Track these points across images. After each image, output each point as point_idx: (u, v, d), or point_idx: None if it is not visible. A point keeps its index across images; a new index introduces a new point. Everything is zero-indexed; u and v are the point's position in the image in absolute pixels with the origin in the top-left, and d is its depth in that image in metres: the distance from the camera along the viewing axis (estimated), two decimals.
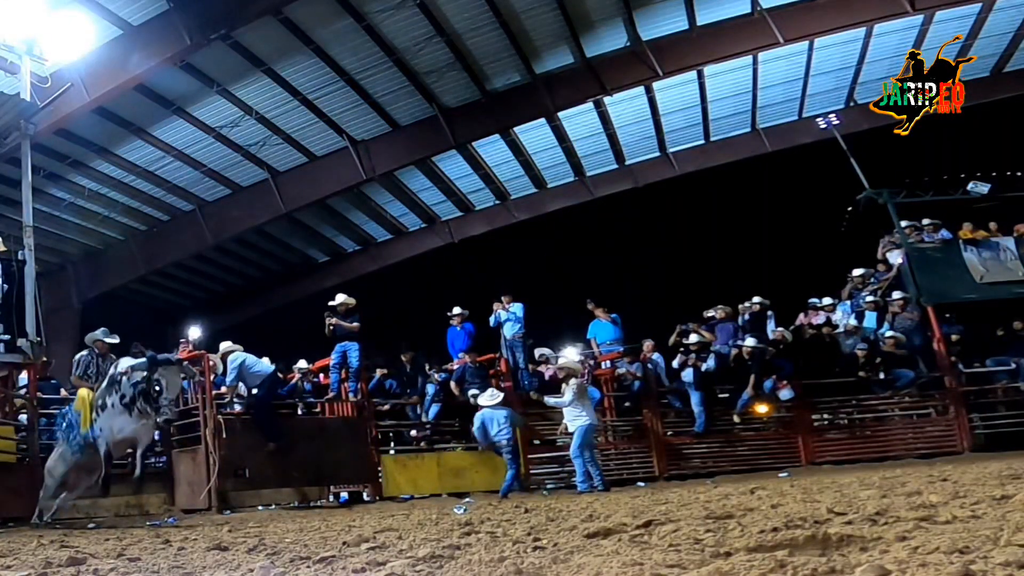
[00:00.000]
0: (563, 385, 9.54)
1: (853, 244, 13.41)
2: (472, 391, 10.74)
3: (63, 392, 9.70)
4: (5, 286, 8.10)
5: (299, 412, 10.66)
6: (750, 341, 10.82)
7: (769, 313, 11.89)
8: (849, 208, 13.08)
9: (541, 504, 5.57)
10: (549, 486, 10.29)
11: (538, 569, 1.95)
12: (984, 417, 10.86)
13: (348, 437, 10.20)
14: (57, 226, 15.86)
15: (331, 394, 10.58)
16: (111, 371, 7.27)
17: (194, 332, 14.80)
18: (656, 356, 11.57)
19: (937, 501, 2.72)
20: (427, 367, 11.41)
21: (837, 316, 11.96)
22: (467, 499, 8.79)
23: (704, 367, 10.91)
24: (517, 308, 11.61)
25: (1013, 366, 10.98)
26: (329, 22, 12.37)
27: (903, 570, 1.51)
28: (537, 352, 11.66)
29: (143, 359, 6.93)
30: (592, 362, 11.39)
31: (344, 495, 9.91)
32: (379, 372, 11.23)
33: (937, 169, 12.46)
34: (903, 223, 12.07)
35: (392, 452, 10.86)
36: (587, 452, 9.19)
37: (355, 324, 10.41)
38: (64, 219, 15.86)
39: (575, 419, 9.25)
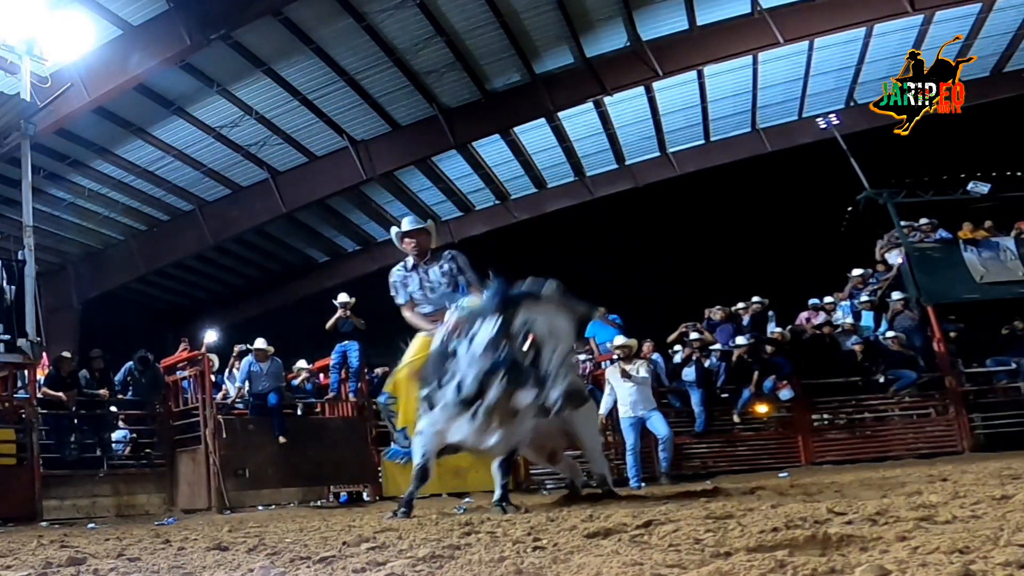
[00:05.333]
0: (621, 364, 9.40)
1: (853, 244, 13.42)
2: None
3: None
4: (12, 287, 8.12)
5: (299, 412, 10.68)
6: (740, 340, 10.87)
7: (770, 313, 11.90)
8: (849, 208, 13.08)
9: (541, 504, 5.57)
10: (549, 486, 10.29)
11: (538, 569, 1.95)
12: (984, 417, 10.86)
13: (348, 437, 10.21)
14: (57, 226, 15.86)
15: (331, 394, 10.60)
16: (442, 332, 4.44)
17: (210, 335, 14.85)
18: (656, 356, 11.57)
19: (937, 501, 2.72)
20: None
21: (837, 316, 11.98)
22: (467, 499, 8.78)
23: (707, 363, 10.93)
24: None
25: (1013, 366, 10.99)
26: (329, 22, 12.37)
27: (903, 570, 1.51)
28: None
29: (485, 295, 4.18)
30: (591, 362, 11.39)
31: (344, 495, 9.92)
32: (379, 371, 11.25)
33: (937, 169, 12.47)
34: (903, 223, 12.09)
35: None
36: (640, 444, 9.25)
37: (362, 322, 10.51)
38: (64, 219, 15.86)
39: (642, 403, 9.14)
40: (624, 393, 9.44)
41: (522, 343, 3.88)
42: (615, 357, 9.78)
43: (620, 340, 9.90)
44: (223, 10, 11.43)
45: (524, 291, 4.07)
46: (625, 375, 9.39)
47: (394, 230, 5.20)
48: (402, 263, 5.17)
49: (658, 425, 9.39)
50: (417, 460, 4.59)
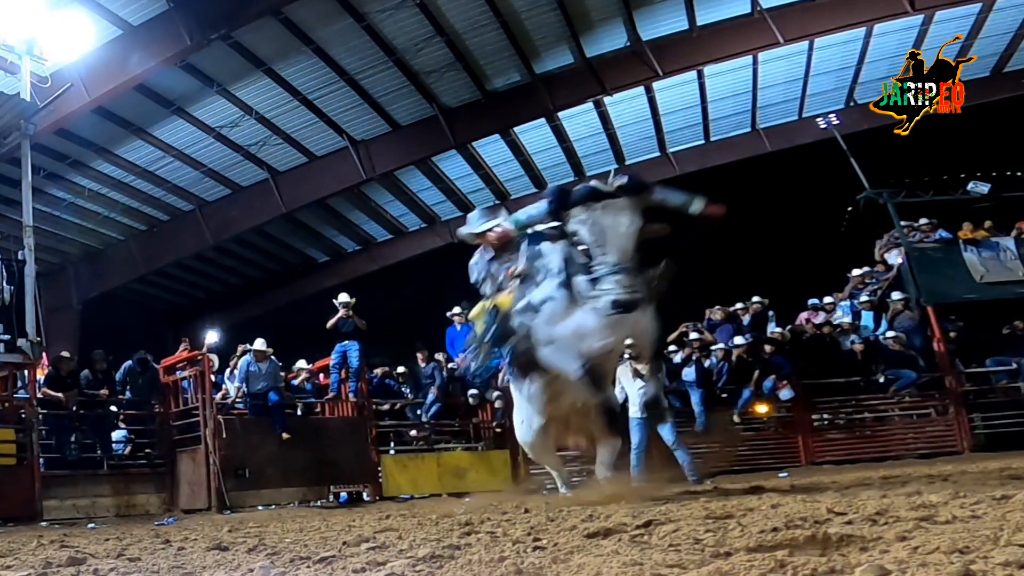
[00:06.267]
0: (632, 363, 9.28)
1: (853, 244, 13.41)
2: (472, 391, 10.75)
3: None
4: (12, 287, 8.13)
5: (299, 412, 10.69)
6: (739, 339, 10.85)
7: (770, 313, 11.90)
8: (849, 208, 13.08)
9: (541, 504, 5.57)
10: (549, 486, 10.28)
11: (538, 569, 1.95)
12: (984, 417, 10.86)
13: (348, 437, 10.22)
14: (57, 226, 15.86)
15: (331, 394, 10.60)
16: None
17: (211, 336, 14.85)
18: None
19: (937, 501, 2.72)
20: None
21: (837, 316, 11.97)
22: (467, 499, 8.78)
23: (707, 363, 10.92)
24: None
25: (1013, 366, 10.99)
26: (329, 22, 12.37)
27: (903, 570, 1.51)
28: None
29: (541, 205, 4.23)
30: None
31: (344, 495, 9.93)
32: (379, 371, 11.25)
33: (937, 169, 12.46)
34: (903, 223, 12.09)
35: (392, 452, 10.87)
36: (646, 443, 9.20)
37: (363, 322, 10.52)
38: (64, 219, 15.85)
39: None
40: (634, 393, 9.40)
41: (576, 245, 3.91)
42: (626, 356, 9.72)
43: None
44: (223, 10, 11.42)
45: (579, 192, 4.02)
46: (637, 374, 9.37)
47: (463, 231, 5.06)
48: (478, 253, 4.99)
49: (665, 430, 9.35)
50: (573, 365, 4.15)
